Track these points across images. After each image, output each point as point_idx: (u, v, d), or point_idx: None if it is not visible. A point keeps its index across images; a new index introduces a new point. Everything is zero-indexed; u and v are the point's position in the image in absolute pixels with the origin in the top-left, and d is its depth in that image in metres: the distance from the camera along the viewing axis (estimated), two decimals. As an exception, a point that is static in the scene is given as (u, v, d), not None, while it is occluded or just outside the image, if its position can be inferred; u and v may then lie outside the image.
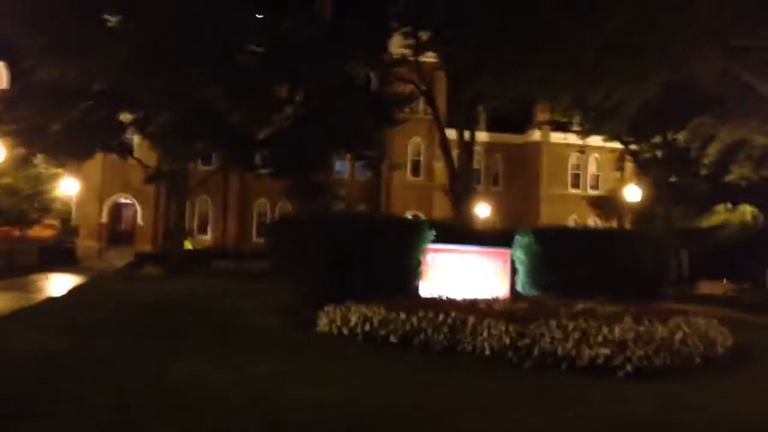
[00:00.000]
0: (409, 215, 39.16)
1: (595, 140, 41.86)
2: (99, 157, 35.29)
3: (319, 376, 7.60)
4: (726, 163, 35.62)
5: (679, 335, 9.04)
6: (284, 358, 8.71)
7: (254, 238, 44.24)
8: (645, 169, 42.01)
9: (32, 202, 33.65)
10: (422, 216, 38.35)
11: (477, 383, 7.62)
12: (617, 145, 43.40)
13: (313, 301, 11.72)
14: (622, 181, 46.56)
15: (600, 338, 8.58)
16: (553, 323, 9.00)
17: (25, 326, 10.85)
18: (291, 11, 27.96)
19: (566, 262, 13.68)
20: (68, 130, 25.98)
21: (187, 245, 38.35)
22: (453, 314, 9.58)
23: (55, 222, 38.03)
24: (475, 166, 45.40)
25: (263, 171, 33.14)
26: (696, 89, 29.47)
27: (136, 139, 36.89)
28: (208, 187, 42.43)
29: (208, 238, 47.77)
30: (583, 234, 15.97)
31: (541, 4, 21.72)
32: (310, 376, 7.62)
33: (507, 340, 8.84)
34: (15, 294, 16.08)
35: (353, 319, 10.22)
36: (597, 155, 52.09)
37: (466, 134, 34.50)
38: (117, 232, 47.55)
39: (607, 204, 49.93)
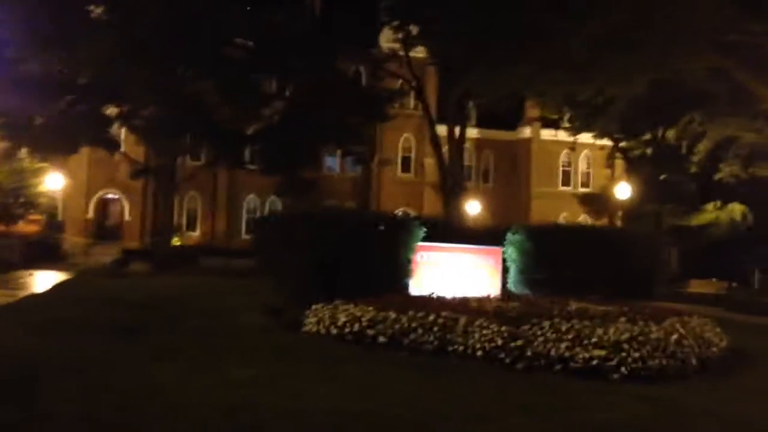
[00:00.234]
0: (399, 212, 38.97)
1: (586, 137, 41.80)
2: (85, 151, 34.86)
3: (305, 381, 7.32)
4: (715, 161, 35.67)
5: (674, 336, 8.84)
6: (270, 360, 8.44)
7: (243, 235, 43.80)
8: (635, 167, 41.98)
9: (17, 197, 33.10)
10: (412, 213, 38.08)
11: (468, 386, 7.38)
12: (607, 142, 43.38)
13: (301, 300, 11.45)
14: (613, 179, 46.53)
15: (594, 339, 8.37)
16: (546, 324, 8.78)
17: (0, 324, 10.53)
18: (280, 5, 27.63)
19: (558, 261, 13.49)
20: (53, 123, 25.58)
21: (176, 242, 37.97)
22: (444, 314, 9.34)
23: (41, 217, 37.46)
24: (466, 162, 45.24)
25: (252, 167, 32.84)
26: (686, 87, 29.45)
27: (122, 133, 36.48)
28: (197, 182, 42.03)
29: (196, 234, 47.32)
30: (575, 232, 15.76)
31: (531, 1, 21.55)
32: (296, 380, 7.34)
33: (499, 341, 8.61)
34: (-4, 291, 15.74)
35: (342, 318, 9.97)
36: (587, 152, 52.02)
37: (457, 130, 34.27)
38: (104, 228, 46.99)
39: (597, 201, 49.90)
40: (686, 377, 8.42)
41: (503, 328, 8.77)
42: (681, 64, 22.91)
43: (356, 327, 9.66)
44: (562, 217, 48.20)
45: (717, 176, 35.99)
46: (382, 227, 12.68)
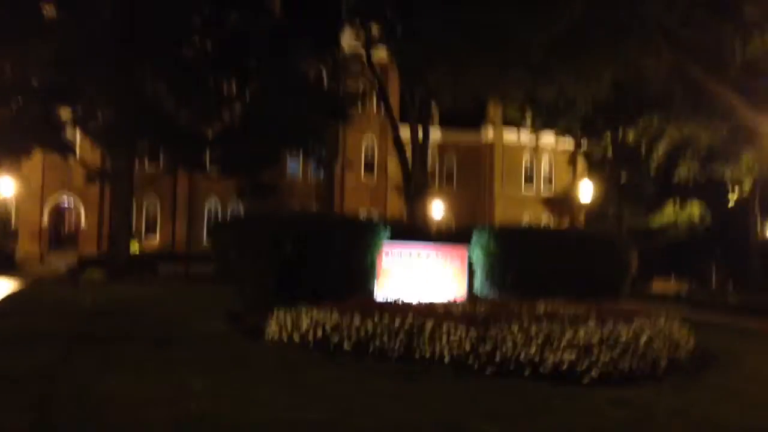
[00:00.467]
0: (362, 214, 38.62)
1: (548, 140, 42.08)
2: (39, 156, 33.87)
3: (265, 391, 6.94)
4: (674, 162, 36.13)
5: (644, 338, 8.67)
6: (228, 369, 8.02)
7: (205, 240, 43.06)
8: (596, 169, 42.38)
9: (-34, 203, 31.99)
10: (376, 215, 37.85)
11: (436, 394, 7.07)
12: (569, 146, 43.74)
13: (262, 305, 11.05)
14: (575, 181, 46.92)
15: (564, 342, 8.15)
16: (515, 327, 8.53)
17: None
18: (238, 3, 27.07)
19: (525, 262, 13.31)
20: (2, 126, 24.68)
21: (135, 248, 37.06)
22: (410, 318, 9.03)
23: (-7, 225, 36.31)
24: (430, 164, 45.13)
25: (213, 170, 32.20)
26: (645, 87, 29.77)
27: (78, 137, 35.54)
28: (156, 187, 41.20)
29: (156, 240, 46.42)
30: (541, 233, 15.63)
31: (490, 2, 21.49)
32: (256, 390, 6.95)
33: (467, 346, 8.34)
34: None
35: (304, 324, 9.60)
36: (550, 155, 52.44)
37: (420, 132, 34.08)
38: (60, 235, 45.80)
39: (559, 203, 50.36)
40: (656, 378, 8.25)
41: (471, 332, 8.50)
42: (637, 61, 23.07)
43: (319, 333, 9.31)
44: (526, 219, 48.48)
45: (675, 177, 36.43)
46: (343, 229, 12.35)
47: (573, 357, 7.95)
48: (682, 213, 47.27)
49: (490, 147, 52.34)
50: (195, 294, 17.45)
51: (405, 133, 34.33)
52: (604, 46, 22.33)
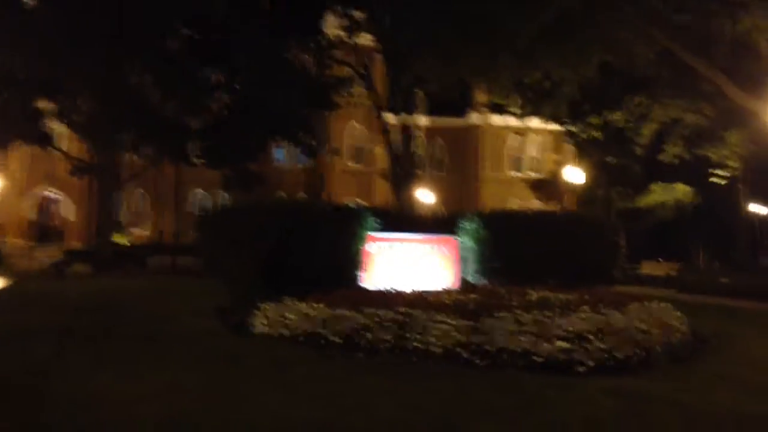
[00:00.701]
0: (350, 203, 38.42)
1: (535, 123, 41.93)
2: (25, 149, 33.42)
3: (252, 389, 6.77)
4: (660, 143, 36.13)
5: (638, 324, 8.57)
6: (215, 367, 7.85)
7: (192, 232, 42.74)
8: (584, 151, 42.32)
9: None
10: (363, 203, 37.60)
11: (429, 389, 6.92)
12: (557, 127, 43.59)
13: (249, 300, 10.87)
14: (562, 164, 46.87)
15: (558, 331, 8.03)
16: (507, 316, 8.40)
17: None
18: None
19: (514, 248, 13.17)
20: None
21: (122, 241, 36.73)
22: (401, 310, 8.88)
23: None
24: (417, 150, 44.93)
25: (199, 161, 31.90)
26: (632, 70, 29.67)
27: (62, 129, 35.13)
28: (143, 179, 40.71)
29: (144, 232, 46.08)
30: (530, 218, 15.47)
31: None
32: (243, 388, 6.77)
33: (459, 337, 8.20)
34: None
35: (292, 318, 9.44)
36: (537, 138, 52.33)
37: (406, 118, 33.88)
38: (46, 229, 45.34)
39: (547, 187, 50.29)
40: (652, 366, 8.14)
41: (463, 323, 8.36)
42: (627, 45, 22.95)
43: (308, 327, 9.15)
44: (514, 203, 48.40)
45: (662, 158, 36.42)
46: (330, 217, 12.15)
47: (567, 346, 7.84)
48: (670, 194, 47.42)
49: (477, 132, 52.13)
50: (182, 288, 17.24)
51: (391, 120, 34.12)
52: (593, 30, 22.18)
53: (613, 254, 14.63)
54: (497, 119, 49.40)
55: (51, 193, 44.24)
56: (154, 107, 27.33)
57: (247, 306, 10.53)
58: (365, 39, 35.23)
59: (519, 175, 53.32)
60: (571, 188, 40.92)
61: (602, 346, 7.88)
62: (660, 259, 33.52)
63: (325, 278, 10.90)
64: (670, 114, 33.05)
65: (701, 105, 31.13)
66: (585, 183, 38.66)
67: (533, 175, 53.49)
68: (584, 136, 41.55)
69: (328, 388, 6.86)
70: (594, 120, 39.38)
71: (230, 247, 11.68)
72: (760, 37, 22.33)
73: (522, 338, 7.99)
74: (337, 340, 8.80)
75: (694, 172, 41.10)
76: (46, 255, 32.52)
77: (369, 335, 8.66)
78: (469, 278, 13.66)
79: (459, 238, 13.74)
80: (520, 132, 49.09)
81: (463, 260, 13.70)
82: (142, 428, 5.40)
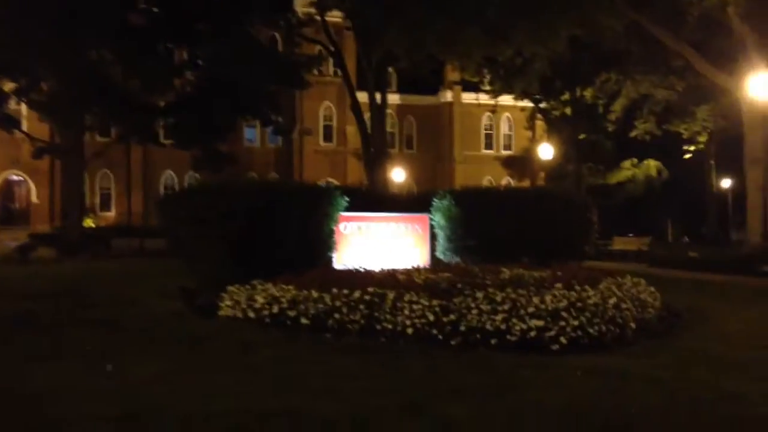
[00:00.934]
0: (322, 182, 38.06)
1: (507, 100, 41.79)
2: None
3: (218, 375, 6.48)
4: (631, 119, 36.26)
5: (612, 300, 8.43)
6: (179, 352, 7.55)
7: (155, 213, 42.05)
8: (555, 128, 42.35)
9: None
10: (335, 183, 37.26)
11: (399, 370, 6.70)
12: (528, 104, 43.51)
13: (216, 281, 10.55)
14: (534, 141, 46.90)
15: (531, 309, 7.84)
16: (479, 295, 8.19)
17: None
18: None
19: (487, 225, 12.98)
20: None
21: (89, 223, 35.98)
22: (370, 289, 8.63)
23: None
24: (389, 129, 44.61)
25: (167, 141, 31.24)
26: (602, 45, 29.60)
27: (24, 110, 34.20)
28: (109, 160, 39.93)
29: (111, 214, 45.29)
30: (503, 195, 15.30)
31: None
32: (208, 375, 6.49)
33: (431, 317, 7.98)
34: None
35: (260, 300, 9.15)
36: (509, 115, 52.25)
37: (378, 96, 33.49)
38: (11, 212, 44.39)
39: (520, 163, 50.35)
40: (626, 343, 8.02)
41: (434, 302, 8.14)
42: (594, 18, 22.82)
43: (276, 309, 8.86)
44: (486, 180, 48.40)
45: (633, 134, 36.55)
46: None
47: (541, 324, 7.66)
48: (640, 169, 47.76)
49: (449, 109, 51.92)
50: (148, 270, 16.82)
51: (363, 98, 33.70)
52: (561, 2, 22.02)
53: (585, 230, 14.52)
54: (469, 97, 49.21)
55: (15, 175, 43.24)
56: (118, 85, 26.58)
57: (215, 288, 10.22)
58: (335, 16, 34.68)
59: (491, 152, 53.26)
60: (543, 164, 40.95)
61: (576, 323, 7.72)
62: (631, 235, 33.71)
63: (298, 259, 10.62)
64: (641, 90, 33.14)
65: (672, 80, 31.22)
66: (556, 159, 38.69)
67: (506, 152, 53.46)
68: (556, 113, 41.58)
69: (297, 371, 6.60)
70: (565, 97, 39.38)
71: (196, 228, 11.31)
72: (730, 12, 22.29)
73: (495, 317, 7.79)
74: (304, 321, 8.54)
75: (665, 147, 41.39)
76: (11, 238, 31.69)
77: (338, 316, 8.42)
78: (442, 257, 13.48)
79: (431, 216, 13.54)
80: (492, 109, 48.93)
81: (435, 238, 13.51)
82: (95, 421, 5.08)
